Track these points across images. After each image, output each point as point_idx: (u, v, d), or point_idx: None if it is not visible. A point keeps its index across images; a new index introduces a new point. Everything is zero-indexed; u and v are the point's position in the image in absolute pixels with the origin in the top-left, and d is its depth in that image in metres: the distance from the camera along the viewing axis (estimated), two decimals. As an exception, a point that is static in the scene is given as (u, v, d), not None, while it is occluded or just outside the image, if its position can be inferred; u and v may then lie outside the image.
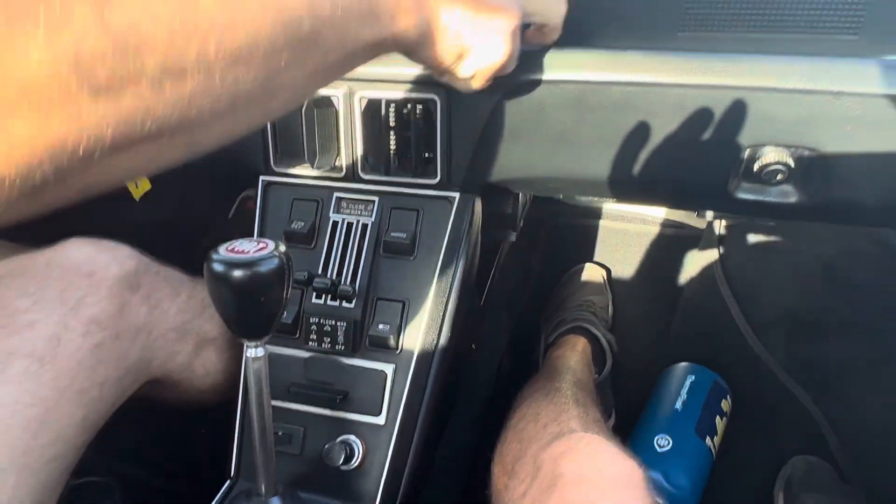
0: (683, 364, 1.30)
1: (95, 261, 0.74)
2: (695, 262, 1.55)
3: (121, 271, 0.75)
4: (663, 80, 0.76)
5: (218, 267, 0.57)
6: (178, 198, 1.17)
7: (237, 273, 0.56)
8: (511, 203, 1.11)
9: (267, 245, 0.60)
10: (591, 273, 1.54)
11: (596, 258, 1.62)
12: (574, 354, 1.22)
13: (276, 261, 0.58)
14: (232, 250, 0.59)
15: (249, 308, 0.59)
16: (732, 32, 0.84)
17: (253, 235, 1.50)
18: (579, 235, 1.64)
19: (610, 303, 1.51)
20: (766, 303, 1.42)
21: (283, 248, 0.60)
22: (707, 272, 1.51)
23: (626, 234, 1.62)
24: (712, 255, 1.52)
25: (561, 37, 0.90)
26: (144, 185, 0.99)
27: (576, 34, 0.90)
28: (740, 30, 0.84)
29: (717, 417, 1.19)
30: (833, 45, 0.83)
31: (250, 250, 0.59)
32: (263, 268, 0.57)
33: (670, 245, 1.59)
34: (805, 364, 1.34)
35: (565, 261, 1.60)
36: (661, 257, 1.60)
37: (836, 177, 0.78)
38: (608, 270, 1.59)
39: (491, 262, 1.30)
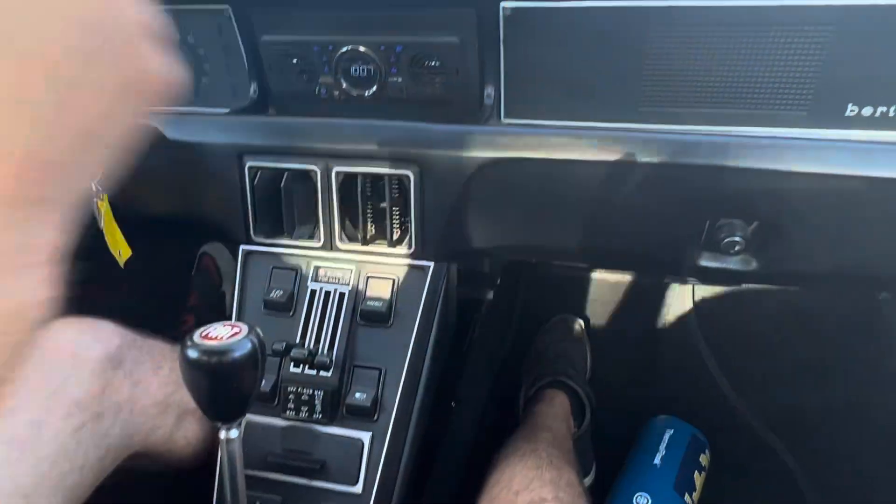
0: (662, 417, 1.31)
1: (78, 342, 0.76)
2: (671, 312, 1.58)
3: (104, 351, 0.77)
4: (625, 159, 0.80)
5: (192, 354, 0.59)
6: (148, 258, 1.19)
7: (210, 360, 0.58)
8: (488, 263, 1.14)
9: (240, 329, 0.62)
10: (570, 324, 1.57)
11: (575, 308, 1.64)
12: (552, 410, 1.23)
13: (248, 345, 0.60)
14: (206, 336, 0.61)
15: (223, 393, 0.60)
16: (690, 108, 0.89)
17: (214, 288, 1.52)
18: (558, 285, 1.67)
19: (588, 353, 1.53)
20: (741, 351, 1.45)
21: (256, 330, 0.62)
22: (683, 321, 1.54)
23: (604, 283, 1.65)
24: (688, 303, 1.55)
25: (528, 109, 0.95)
26: (126, 252, 1.01)
27: (541, 107, 0.94)
28: (698, 105, 0.89)
29: (696, 472, 1.21)
30: (784, 119, 0.88)
31: (223, 336, 0.61)
32: (236, 353, 0.59)
33: (647, 294, 1.62)
34: (782, 414, 1.36)
35: (545, 310, 1.63)
36: (638, 306, 1.63)
37: (791, 247, 0.81)
38: (587, 320, 1.61)
39: (471, 317, 1.33)
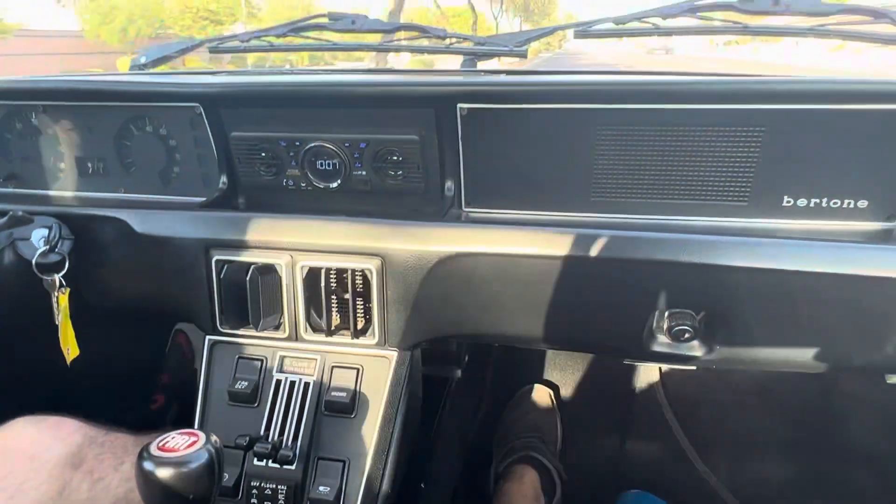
0: (633, 492, 1.32)
1: (38, 442, 0.75)
2: (640, 381, 1.60)
3: (64, 451, 0.76)
4: (577, 254, 0.84)
5: (147, 466, 0.59)
6: (121, 340, 1.19)
7: (167, 472, 0.59)
8: (454, 344, 1.16)
9: (198, 439, 0.63)
10: (540, 394, 1.58)
11: (545, 377, 1.66)
12: (521, 489, 1.23)
13: (205, 455, 0.61)
14: (163, 447, 0.61)
15: (180, 503, 0.61)
16: (639, 199, 0.95)
17: (185, 365, 1.52)
18: (527, 356, 1.69)
19: (559, 423, 1.54)
20: (706, 422, 1.47)
21: (213, 439, 0.63)
22: (650, 392, 1.56)
23: (573, 353, 1.68)
24: (655, 374, 1.58)
25: (487, 199, 0.99)
26: (74, 351, 1.01)
27: (500, 197, 0.99)
28: (646, 196, 0.94)
29: (666, 548, 1.21)
30: (727, 209, 0.93)
31: (181, 446, 0.62)
32: (193, 464, 0.60)
33: (616, 364, 1.65)
34: (748, 484, 1.38)
35: (515, 381, 1.64)
36: (607, 375, 1.65)
37: (738, 336, 0.85)
38: (556, 389, 1.63)
39: (440, 396, 1.33)
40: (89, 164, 1.15)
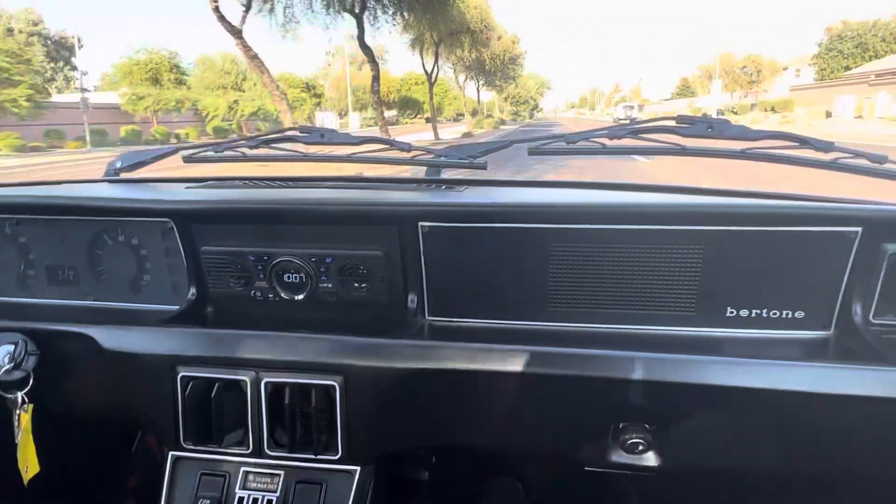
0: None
1: None
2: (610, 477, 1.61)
3: None
4: (533, 371, 0.87)
5: None
6: (83, 449, 1.17)
7: None
8: (423, 468, 1.17)
9: None
10: (509, 487, 1.57)
11: (514, 469, 1.65)
12: None
13: None
14: None
15: None
16: (592, 309, 0.99)
17: (156, 466, 1.48)
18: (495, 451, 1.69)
19: (530, 518, 1.52)
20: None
21: None
22: (622, 482, 1.57)
23: None
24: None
25: (450, 309, 1.03)
26: (34, 469, 1.00)
27: (462, 307, 1.03)
28: (599, 307, 0.99)
29: None
30: (674, 319, 0.99)
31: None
32: None
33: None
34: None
35: (484, 475, 1.63)
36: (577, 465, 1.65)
37: (687, 446, 0.88)
38: (525, 481, 1.62)
39: (407, 500, 1.32)
40: (59, 273, 1.17)
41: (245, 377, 0.93)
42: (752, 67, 53.27)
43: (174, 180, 1.34)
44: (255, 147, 1.26)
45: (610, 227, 0.95)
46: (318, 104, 42.49)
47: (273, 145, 1.26)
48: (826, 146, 0.98)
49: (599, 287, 0.98)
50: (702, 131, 1.03)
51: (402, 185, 1.21)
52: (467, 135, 29.18)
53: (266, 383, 0.92)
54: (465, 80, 38.58)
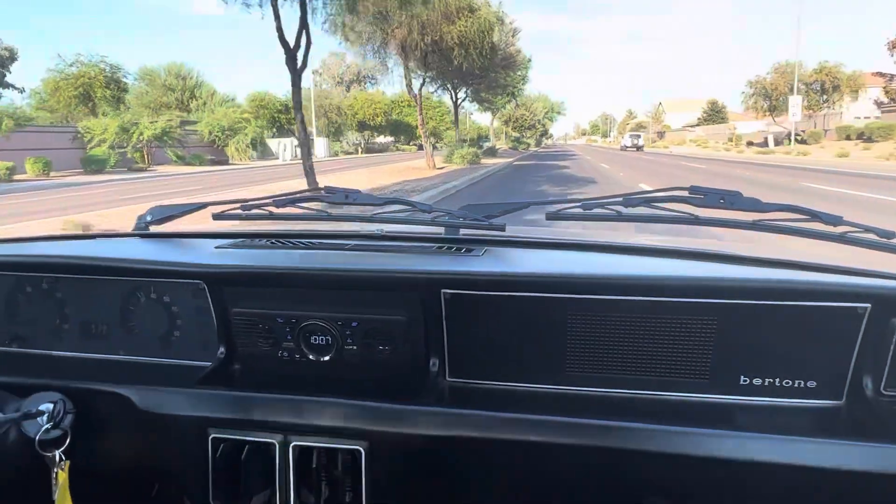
0: None
1: None
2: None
3: None
4: (552, 440, 0.90)
5: None
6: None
7: None
8: None
9: None
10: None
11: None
12: None
13: None
14: None
15: None
16: (609, 374, 1.03)
17: None
18: None
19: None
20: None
21: None
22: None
23: None
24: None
25: (470, 372, 1.07)
26: None
27: (482, 370, 1.07)
28: (615, 372, 1.02)
29: None
30: (689, 385, 1.02)
31: None
32: None
33: None
34: None
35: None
36: None
37: None
38: None
39: None
40: (93, 327, 1.21)
41: (274, 440, 0.96)
42: (828, 81, 39.49)
43: (204, 236, 1.39)
44: (282, 206, 1.31)
45: (626, 298, 0.98)
46: (279, 127, 35.49)
47: (298, 205, 1.31)
48: (835, 220, 1.02)
49: (615, 353, 1.02)
50: (714, 202, 1.07)
51: (424, 247, 1.25)
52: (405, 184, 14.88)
53: (294, 447, 0.96)
54: (457, 98, 30.14)
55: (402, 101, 47.82)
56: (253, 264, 1.11)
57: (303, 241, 1.31)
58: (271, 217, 1.33)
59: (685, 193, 1.09)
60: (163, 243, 1.34)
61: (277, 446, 0.96)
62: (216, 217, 1.35)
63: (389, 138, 49.72)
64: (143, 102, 33.13)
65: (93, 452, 1.05)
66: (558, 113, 71.91)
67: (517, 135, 63.29)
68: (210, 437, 0.98)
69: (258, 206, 1.33)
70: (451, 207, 1.30)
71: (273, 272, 1.09)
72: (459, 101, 31.13)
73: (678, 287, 0.97)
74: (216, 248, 1.26)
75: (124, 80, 32.53)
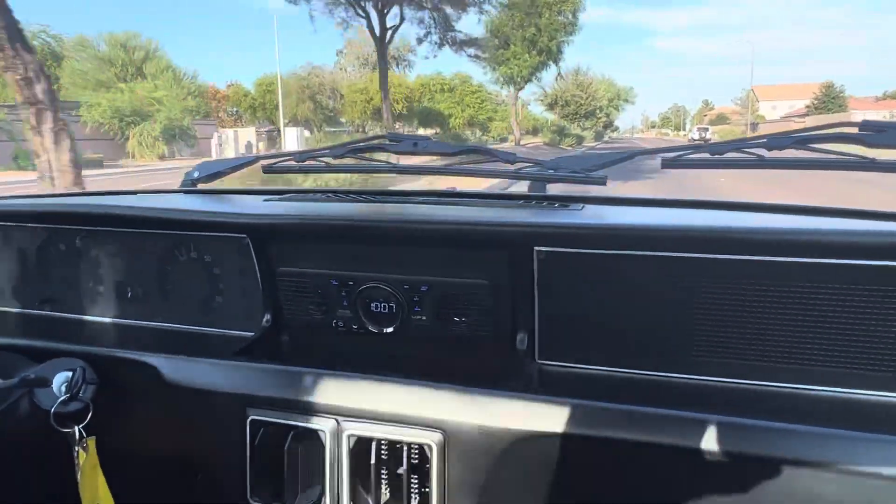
0: None
1: None
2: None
3: None
4: (683, 444, 0.68)
5: None
6: None
7: None
8: None
9: None
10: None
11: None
12: None
13: None
14: None
15: None
16: (752, 361, 0.79)
17: None
18: None
19: None
20: None
21: None
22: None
23: None
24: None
25: (566, 352, 0.85)
26: None
27: (581, 351, 0.85)
28: (761, 358, 0.78)
29: None
30: (864, 381, 0.76)
31: None
32: None
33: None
34: None
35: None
36: None
37: None
38: None
39: None
40: (128, 290, 1.07)
41: (324, 427, 0.78)
42: None
43: (254, 192, 1.23)
44: (340, 156, 1.13)
45: (784, 260, 0.74)
46: (239, 117, 30.10)
47: (360, 155, 1.13)
48: None
49: (764, 335, 0.77)
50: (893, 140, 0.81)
51: (506, 203, 1.04)
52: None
53: (349, 436, 0.77)
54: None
55: (433, 86, 36.88)
56: (304, 213, 0.93)
57: (362, 195, 1.12)
58: (329, 169, 1.15)
59: (854, 130, 0.84)
60: (207, 198, 1.18)
61: (328, 434, 0.78)
62: (266, 170, 1.18)
63: (419, 129, 35.28)
64: (76, 82, 24.35)
65: (116, 430, 0.90)
66: (626, 101, 54.09)
67: (564, 124, 41.99)
68: (249, 420, 0.81)
69: (313, 157, 1.15)
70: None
71: (327, 223, 0.91)
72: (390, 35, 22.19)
73: (862, 245, 0.72)
74: (264, 200, 1.09)
75: (62, 48, 25.57)
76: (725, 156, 0.91)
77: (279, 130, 27.79)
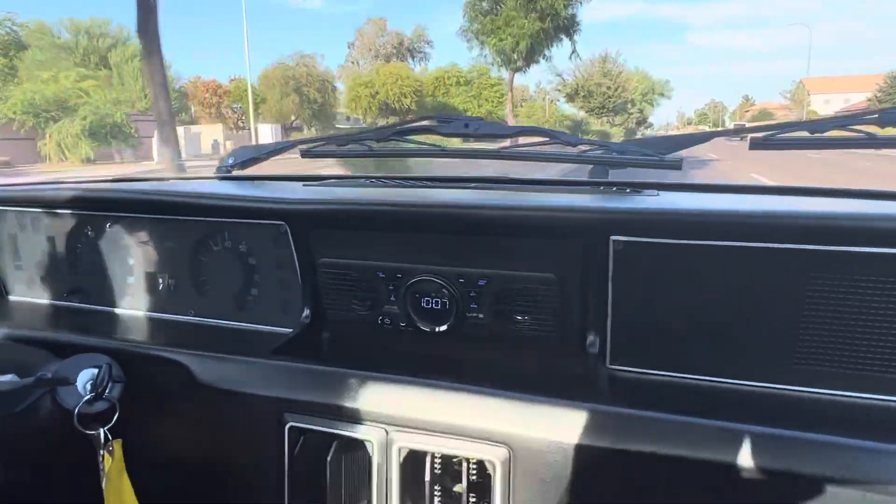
0: None
1: None
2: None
3: None
4: (794, 469, 0.57)
5: None
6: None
7: None
8: None
9: None
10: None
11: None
12: None
13: None
14: None
15: None
16: (856, 370, 0.67)
17: None
18: None
19: None
20: None
21: None
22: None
23: None
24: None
25: (642, 357, 0.75)
26: None
27: (659, 356, 0.74)
28: (869, 368, 0.67)
29: None
30: None
31: None
32: None
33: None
34: None
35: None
36: None
37: None
38: None
39: None
40: (160, 281, 1.00)
41: (371, 437, 0.69)
42: None
43: (293, 178, 1.15)
44: (384, 140, 1.04)
45: None
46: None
47: (405, 137, 1.03)
48: None
49: (886, 340, 0.66)
50: None
51: (569, 188, 0.94)
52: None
53: (399, 448, 0.68)
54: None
55: (448, 78, 33.11)
56: (346, 199, 0.85)
57: (409, 181, 1.03)
58: (372, 153, 1.06)
59: None
60: (243, 184, 1.11)
61: (376, 445, 0.69)
62: (305, 154, 1.10)
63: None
64: (31, 74, 20.75)
65: (144, 433, 0.83)
66: (661, 95, 47.29)
67: (582, 118, 38.24)
68: (287, 427, 0.73)
69: (355, 141, 1.07)
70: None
71: (372, 208, 0.82)
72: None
73: None
74: (304, 186, 1.01)
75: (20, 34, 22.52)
76: (827, 134, 0.80)
77: (251, 129, 24.67)
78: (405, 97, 30.07)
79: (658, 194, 0.86)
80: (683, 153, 0.96)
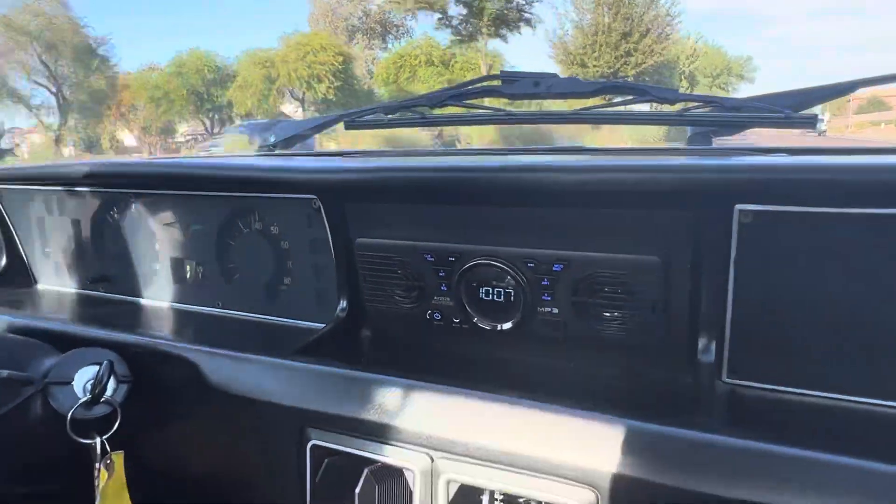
0: None
1: None
2: None
3: None
4: None
5: None
6: None
7: None
8: None
9: None
10: None
11: None
12: None
13: None
14: None
15: None
16: None
17: None
18: None
19: None
20: None
21: None
22: None
23: None
24: None
25: (771, 368, 0.55)
26: None
27: (793, 370, 0.55)
28: None
29: None
30: None
31: None
32: None
33: None
34: None
35: None
36: None
37: None
38: None
39: None
40: (187, 268, 0.89)
41: (413, 465, 0.53)
42: None
43: (334, 154, 1.02)
44: (440, 105, 0.88)
45: None
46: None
47: (464, 102, 0.88)
48: None
49: None
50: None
51: (666, 153, 0.75)
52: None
53: (448, 481, 0.52)
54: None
55: (415, 58, 22.49)
56: (387, 167, 0.69)
57: (468, 153, 0.87)
58: (424, 122, 0.91)
59: None
60: (278, 159, 0.98)
61: (418, 475, 0.53)
62: (349, 125, 0.96)
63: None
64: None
65: (149, 446, 0.70)
66: (740, 76, 33.45)
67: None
68: (309, 445, 0.58)
69: (407, 108, 0.92)
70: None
71: (418, 176, 0.66)
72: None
73: None
74: (343, 159, 0.87)
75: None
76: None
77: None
78: (319, 82, 20.13)
79: (787, 158, 0.66)
80: (815, 111, 0.76)
